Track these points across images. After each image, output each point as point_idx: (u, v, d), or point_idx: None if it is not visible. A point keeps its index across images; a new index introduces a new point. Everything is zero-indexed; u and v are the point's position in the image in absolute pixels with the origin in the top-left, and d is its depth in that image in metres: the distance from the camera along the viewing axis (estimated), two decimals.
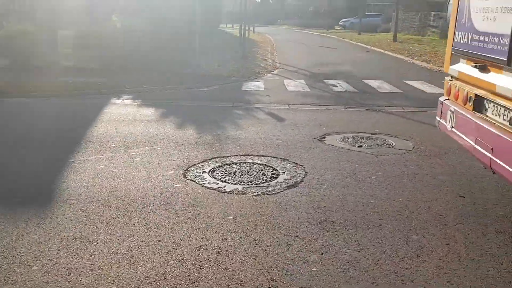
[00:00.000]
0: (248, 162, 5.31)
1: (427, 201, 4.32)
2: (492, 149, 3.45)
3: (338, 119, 7.76)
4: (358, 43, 27.56)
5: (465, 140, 3.98)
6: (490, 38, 3.54)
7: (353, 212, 4.05)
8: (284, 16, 63.50)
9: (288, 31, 46.01)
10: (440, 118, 4.63)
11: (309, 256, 3.31)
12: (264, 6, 69.40)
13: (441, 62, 16.63)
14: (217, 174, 4.89)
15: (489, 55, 3.54)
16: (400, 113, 8.51)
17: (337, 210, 4.09)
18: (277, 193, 4.44)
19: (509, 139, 3.24)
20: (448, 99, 4.52)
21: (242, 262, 3.23)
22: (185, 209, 4.06)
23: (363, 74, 13.97)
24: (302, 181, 4.77)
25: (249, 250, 3.39)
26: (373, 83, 12.05)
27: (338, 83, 12.01)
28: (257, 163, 5.30)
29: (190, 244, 3.45)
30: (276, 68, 15.39)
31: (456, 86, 4.28)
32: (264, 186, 4.59)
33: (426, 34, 33.09)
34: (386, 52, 21.99)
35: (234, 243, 3.49)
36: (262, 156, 5.58)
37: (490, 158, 3.47)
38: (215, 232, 3.66)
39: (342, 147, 6.01)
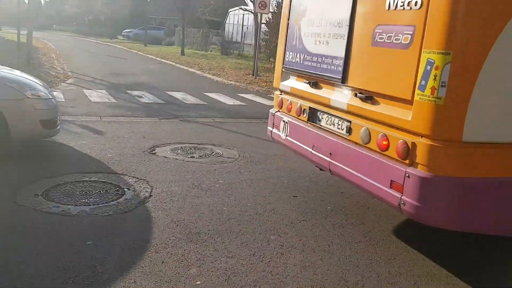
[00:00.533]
0: (85, 181, 4.86)
1: (270, 203, 4.75)
2: (330, 153, 4.06)
3: (159, 131, 7.73)
4: (148, 55, 27.64)
5: (301, 146, 4.55)
6: (323, 59, 4.17)
7: (212, 221, 4.17)
8: (60, 22, 58.85)
9: (68, 37, 42.83)
10: (273, 129, 5.15)
11: (189, 271, 3.29)
12: (36, 9, 62.80)
13: (229, 76, 18.15)
14: (54, 196, 4.34)
15: (324, 74, 4.16)
16: (212, 123, 8.99)
17: (197, 220, 4.14)
18: (131, 211, 4.22)
19: (345, 145, 3.88)
20: (279, 111, 5.07)
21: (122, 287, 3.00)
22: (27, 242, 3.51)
23: (164, 85, 14.16)
24: (151, 195, 4.64)
25: (125, 275, 3.16)
26: (177, 95, 12.35)
27: (143, 94, 11.89)
28: (96, 180, 4.91)
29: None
30: (69, 77, 14.25)
31: (288, 99, 4.84)
32: (113, 205, 4.30)
33: (209, 50, 35.42)
34: (177, 65, 22.68)
35: (104, 270, 3.19)
36: (99, 172, 5.19)
37: (329, 162, 4.07)
38: (78, 262, 3.28)
39: (176, 159, 6.04)
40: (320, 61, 4.21)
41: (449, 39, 2.91)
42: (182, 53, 28.21)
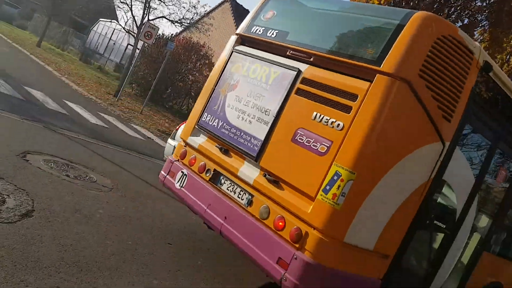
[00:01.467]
0: None
1: (148, 246, 4.94)
2: (225, 217, 4.53)
3: (26, 134, 7.19)
4: None
5: (195, 201, 4.92)
6: (242, 134, 4.73)
7: (98, 253, 4.20)
8: None
9: None
10: (167, 175, 5.42)
11: None
12: None
13: (90, 90, 17.43)
14: None
15: (239, 146, 4.70)
16: (79, 140, 8.64)
17: (83, 249, 4.12)
18: (15, 223, 3.99)
19: (243, 214, 4.41)
20: (179, 161, 5.40)
21: None
22: None
23: (21, 77, 12.96)
24: (34, 210, 4.44)
25: None
26: (37, 94, 11.44)
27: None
28: None
29: None
30: None
31: (193, 155, 5.23)
32: None
33: (67, 50, 33.17)
34: (32, 56, 20.76)
35: None
36: None
37: (222, 224, 4.54)
38: None
39: (51, 173, 5.77)
40: (239, 134, 4.77)
41: (357, 163, 3.77)
42: (39, 45, 25.90)
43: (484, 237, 5.26)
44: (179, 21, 20.97)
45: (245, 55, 5.10)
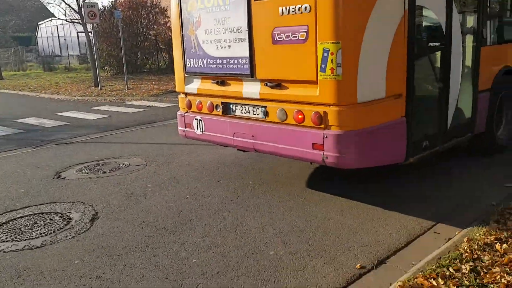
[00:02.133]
0: (20, 217, 4.87)
1: (204, 190, 5.44)
2: (253, 136, 4.93)
3: (47, 158, 7.57)
4: None
5: (222, 137, 5.31)
6: (228, 60, 4.97)
7: (170, 216, 4.70)
8: None
9: None
10: (185, 128, 5.78)
11: (203, 241, 3.86)
12: None
13: (72, 92, 17.49)
14: (2, 236, 4.35)
15: (231, 72, 4.97)
16: (92, 140, 9.03)
17: (154, 221, 4.63)
18: (89, 229, 4.49)
19: (265, 125, 4.79)
20: (188, 111, 5.73)
21: None
22: None
23: (8, 114, 13.14)
24: (97, 212, 4.92)
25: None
26: (31, 121, 11.73)
27: None
28: (31, 214, 4.95)
29: None
30: None
31: (197, 100, 5.53)
32: (69, 228, 4.51)
33: (27, 69, 32.61)
34: (1, 90, 20.69)
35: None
36: (26, 207, 5.19)
37: (253, 142, 4.95)
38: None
39: (90, 178, 6.22)
40: (226, 62, 5.01)
41: (337, 32, 4.00)
42: (0, 77, 25.55)
43: (476, 35, 5.51)
44: None
45: None
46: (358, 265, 3.54)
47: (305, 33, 4.21)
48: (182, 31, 5.46)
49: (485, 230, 3.83)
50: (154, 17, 22.28)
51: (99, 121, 11.41)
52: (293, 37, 4.32)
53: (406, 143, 4.62)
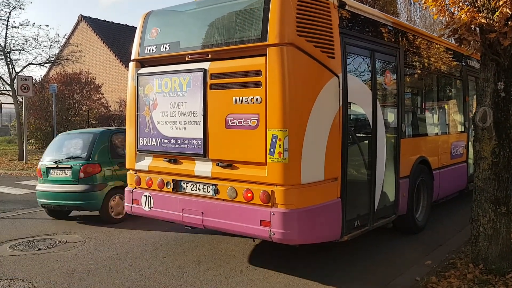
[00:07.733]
0: None
1: (148, 267, 5.46)
2: (202, 212, 5.19)
3: None
4: None
5: (170, 213, 5.49)
6: (182, 141, 5.32)
7: None
8: None
9: None
10: (132, 204, 5.90)
11: None
12: None
13: (8, 167, 16.58)
14: None
15: (184, 152, 5.30)
16: (21, 215, 8.68)
17: None
18: None
19: (215, 203, 5.09)
20: (137, 188, 5.89)
21: None
22: None
23: None
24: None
25: None
26: None
27: None
28: None
29: None
30: None
31: (147, 176, 5.74)
32: None
33: None
34: None
35: None
36: None
37: (202, 219, 5.19)
38: None
39: (26, 254, 5.99)
40: (179, 142, 5.37)
41: (285, 122, 4.56)
42: None
43: (396, 128, 6.40)
44: (47, 61, 20.19)
45: (151, 75, 5.63)
46: None
47: (256, 121, 4.74)
48: (137, 112, 5.79)
49: None
50: (88, 93, 22.30)
51: (27, 196, 10.94)
52: (245, 123, 4.82)
53: (341, 221, 5.12)
